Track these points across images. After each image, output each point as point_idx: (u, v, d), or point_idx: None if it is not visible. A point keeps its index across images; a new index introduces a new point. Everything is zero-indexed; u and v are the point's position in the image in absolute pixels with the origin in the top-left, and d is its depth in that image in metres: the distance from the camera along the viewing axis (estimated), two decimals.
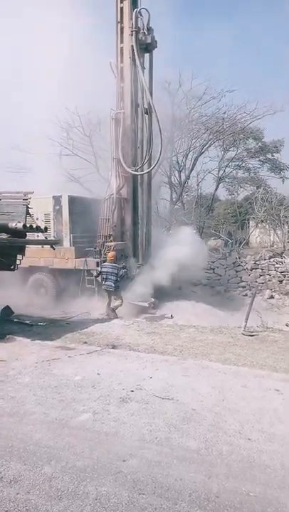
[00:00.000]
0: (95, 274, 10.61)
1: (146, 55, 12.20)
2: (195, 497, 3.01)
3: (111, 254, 10.28)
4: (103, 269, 10.02)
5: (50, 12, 13.94)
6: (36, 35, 14.42)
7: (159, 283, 11.26)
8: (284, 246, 16.16)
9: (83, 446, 3.68)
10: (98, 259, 11.02)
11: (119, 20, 11.81)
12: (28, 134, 18.09)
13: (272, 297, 14.07)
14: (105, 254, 10.91)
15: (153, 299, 11.48)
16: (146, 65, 12.25)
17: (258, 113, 19.13)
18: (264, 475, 3.29)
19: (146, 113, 11.82)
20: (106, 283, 9.87)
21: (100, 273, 10.15)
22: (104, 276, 9.90)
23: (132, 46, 11.44)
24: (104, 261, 10.41)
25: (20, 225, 7.64)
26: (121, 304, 9.99)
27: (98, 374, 5.50)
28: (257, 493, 3.06)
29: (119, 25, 11.83)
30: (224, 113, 19.41)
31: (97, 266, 10.75)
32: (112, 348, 6.86)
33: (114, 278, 9.81)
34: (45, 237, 9.28)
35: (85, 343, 7.17)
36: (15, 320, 8.82)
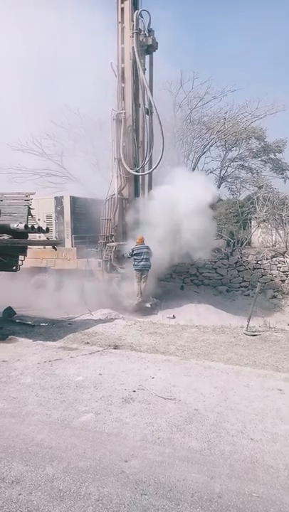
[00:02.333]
0: (127, 255, 11.01)
1: (147, 56, 12.24)
2: (197, 497, 2.99)
3: (140, 236, 10.88)
4: (137, 251, 10.70)
5: (53, 11, 13.97)
6: (41, 33, 14.44)
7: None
8: (286, 246, 16.09)
9: (85, 447, 3.67)
10: (100, 260, 11.03)
11: (120, 20, 11.84)
12: (28, 134, 18.19)
13: (274, 297, 14.04)
14: (107, 255, 10.96)
15: (155, 299, 11.48)
16: (147, 65, 12.28)
17: (259, 113, 19.15)
18: (267, 475, 3.27)
19: (148, 113, 11.83)
20: (142, 263, 10.69)
21: (134, 254, 10.72)
22: (141, 257, 10.66)
23: (133, 48, 11.46)
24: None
25: (21, 226, 7.65)
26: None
27: (100, 374, 5.49)
28: (260, 494, 3.04)
29: (120, 25, 11.86)
30: (226, 113, 19.43)
31: (99, 266, 10.78)
32: (114, 348, 6.85)
33: (149, 257, 10.75)
34: (47, 238, 9.28)
35: (87, 343, 7.16)
36: (17, 320, 8.82)
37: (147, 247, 10.87)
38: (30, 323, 8.62)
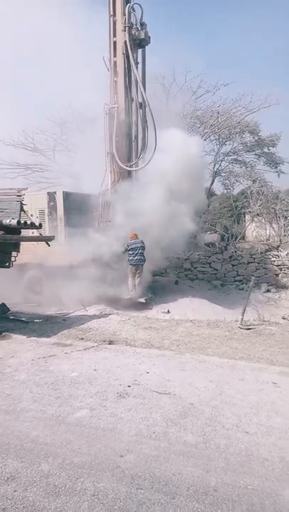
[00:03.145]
0: (121, 250, 11.02)
1: (140, 50, 12.13)
2: (193, 491, 3.00)
3: (133, 233, 10.94)
4: (132, 246, 10.78)
5: (43, 8, 13.80)
6: (31, 28, 14.27)
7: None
8: (280, 240, 16.16)
9: (80, 443, 3.66)
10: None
11: (112, 13, 11.70)
12: (21, 129, 18.04)
13: (268, 291, 14.10)
14: None
15: (150, 295, 11.47)
16: (140, 59, 12.18)
17: (252, 106, 19.11)
18: (262, 468, 3.29)
19: (140, 107, 11.75)
20: (137, 257, 10.78)
21: (128, 249, 10.80)
22: (136, 252, 10.75)
23: (126, 42, 11.35)
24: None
25: (14, 222, 7.59)
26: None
27: (95, 370, 5.48)
28: (255, 486, 3.05)
29: (112, 18, 11.72)
30: (219, 106, 19.37)
31: (92, 261, 10.74)
32: (109, 343, 6.84)
33: (143, 252, 10.85)
34: (40, 234, 9.21)
35: (82, 339, 7.14)
36: (11, 317, 8.77)
37: (142, 242, 10.87)
38: (24, 319, 8.58)
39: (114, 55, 11.77)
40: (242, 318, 8.20)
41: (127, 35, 11.34)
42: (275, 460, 3.39)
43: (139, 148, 11.64)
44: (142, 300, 10.96)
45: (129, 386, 4.89)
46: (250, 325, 8.04)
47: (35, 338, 7.20)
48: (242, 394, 4.67)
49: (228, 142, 20.24)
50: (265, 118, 30.06)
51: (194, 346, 6.67)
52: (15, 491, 3.02)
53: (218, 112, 19.18)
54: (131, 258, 10.79)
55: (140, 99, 11.69)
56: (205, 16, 45.33)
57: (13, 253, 8.55)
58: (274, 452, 3.50)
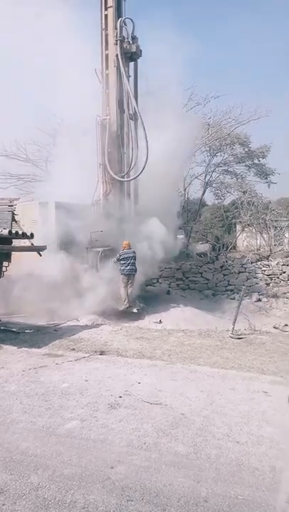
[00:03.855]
0: (114, 260, 11.07)
1: (132, 63, 12.32)
2: (184, 502, 2.98)
3: (126, 242, 11.01)
4: (124, 255, 10.81)
5: (35, 17, 13.96)
6: (21, 40, 14.40)
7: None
8: (270, 249, 16.32)
9: (71, 454, 3.63)
10: (86, 265, 10.99)
11: (104, 27, 11.91)
12: (14, 140, 18.09)
13: (259, 300, 14.18)
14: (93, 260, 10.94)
15: (141, 305, 11.47)
16: (132, 72, 12.37)
17: (242, 118, 19.41)
18: (253, 478, 3.29)
19: (132, 119, 11.88)
20: (129, 267, 10.81)
21: (121, 259, 10.83)
22: (128, 262, 10.79)
23: (117, 55, 11.53)
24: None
25: (5, 232, 7.59)
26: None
27: (86, 380, 5.45)
28: (246, 496, 3.05)
29: (104, 32, 11.93)
30: (209, 118, 19.63)
31: (85, 271, 10.76)
32: (100, 354, 6.82)
33: (135, 262, 10.90)
34: (32, 244, 9.19)
35: (73, 349, 7.11)
36: (1, 328, 8.70)
37: (134, 252, 10.92)
38: (15, 330, 8.52)
39: (107, 68, 11.95)
40: (233, 328, 8.23)
41: (118, 48, 11.54)
42: (265, 470, 3.39)
43: (131, 160, 11.74)
44: (134, 310, 10.96)
45: (121, 397, 4.87)
46: (241, 334, 8.07)
47: (26, 349, 7.15)
48: (233, 403, 4.68)
49: (218, 153, 20.48)
50: (255, 130, 30.57)
51: (186, 356, 6.68)
52: (3, 505, 2.98)
53: (208, 124, 19.44)
54: (123, 268, 10.81)
55: (132, 111, 11.83)
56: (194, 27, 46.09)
57: (5, 263, 8.51)
58: (264, 462, 3.50)
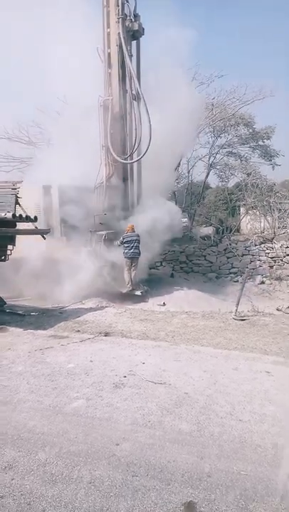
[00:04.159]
0: (117, 243, 11.11)
1: (134, 42, 12.08)
2: (187, 477, 3.06)
3: (130, 225, 11.05)
4: (128, 238, 10.84)
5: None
6: (24, 20, 14.09)
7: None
8: (274, 232, 16.24)
9: (77, 432, 3.71)
10: (90, 248, 11.01)
11: (105, 4, 11.62)
12: (16, 122, 17.91)
13: (263, 282, 14.22)
14: (97, 244, 10.95)
15: (145, 287, 11.53)
16: (134, 51, 12.12)
17: (247, 98, 19.07)
18: (255, 454, 3.36)
19: (135, 99, 11.70)
20: (132, 250, 10.85)
21: (124, 242, 10.86)
22: (131, 245, 10.83)
23: (119, 33, 11.28)
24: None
25: (9, 215, 7.59)
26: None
27: (91, 361, 5.53)
28: (248, 472, 3.12)
29: (105, 9, 11.65)
30: (213, 98, 19.30)
31: (89, 255, 10.76)
32: (105, 335, 6.89)
33: (139, 245, 10.93)
34: (36, 227, 9.21)
35: (78, 331, 7.19)
36: (7, 310, 8.79)
37: (137, 235, 10.91)
38: (20, 312, 8.61)
39: (108, 47, 11.72)
40: (236, 310, 8.27)
41: (120, 26, 11.28)
42: (267, 446, 3.46)
43: (134, 141, 11.61)
44: (138, 293, 11.02)
45: (125, 376, 4.95)
46: (244, 316, 8.11)
47: (31, 331, 7.23)
48: (236, 383, 4.74)
49: (222, 135, 20.22)
50: (259, 110, 30.11)
51: (189, 337, 6.74)
52: (12, 480, 3.07)
53: (212, 104, 19.13)
54: (126, 251, 10.82)
55: (134, 92, 11.65)
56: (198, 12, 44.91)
57: (9, 247, 8.55)
58: (267, 439, 3.57)
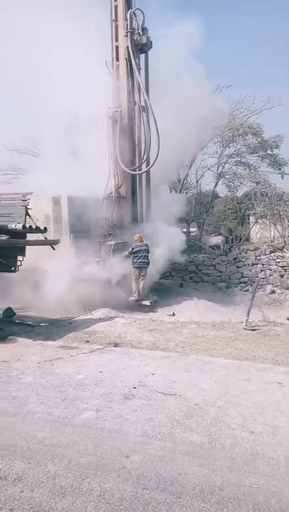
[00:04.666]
0: (126, 254, 11.07)
1: (142, 55, 12.23)
2: (199, 490, 3.01)
3: (138, 235, 11.05)
4: (136, 248, 10.82)
5: (45, 12, 13.90)
6: (33, 34, 14.38)
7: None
8: (284, 241, 16.11)
9: (86, 444, 3.68)
10: (99, 259, 11.04)
11: (114, 18, 11.82)
12: (25, 134, 18.18)
13: (273, 292, 14.07)
14: (106, 254, 10.97)
15: (154, 297, 11.50)
16: (142, 64, 12.27)
17: (255, 108, 19.10)
18: (267, 467, 3.29)
19: (144, 111, 11.82)
20: (141, 260, 10.82)
21: (133, 252, 10.83)
22: (140, 255, 10.81)
23: (127, 47, 11.46)
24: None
25: (19, 226, 7.66)
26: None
27: (100, 372, 5.50)
28: (260, 485, 3.06)
29: (114, 23, 11.84)
30: (221, 108, 19.36)
31: (98, 265, 10.81)
32: (114, 346, 6.87)
33: (148, 255, 10.91)
34: (45, 238, 9.27)
35: (87, 341, 7.18)
36: (17, 321, 8.83)
37: (146, 245, 10.92)
38: (30, 323, 8.63)
39: (117, 60, 11.88)
40: (247, 320, 8.19)
41: (128, 40, 11.45)
42: (280, 459, 3.39)
43: (143, 152, 11.70)
44: (147, 303, 10.98)
45: (135, 388, 4.91)
46: (255, 326, 8.03)
47: (41, 342, 7.24)
48: (247, 394, 4.67)
49: (231, 144, 20.23)
50: (267, 119, 30.03)
51: (199, 348, 6.68)
52: (22, 492, 3.05)
53: (221, 114, 19.18)
54: (135, 261, 10.83)
55: (143, 103, 11.77)
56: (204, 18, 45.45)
57: (19, 257, 8.61)
58: (279, 451, 3.50)
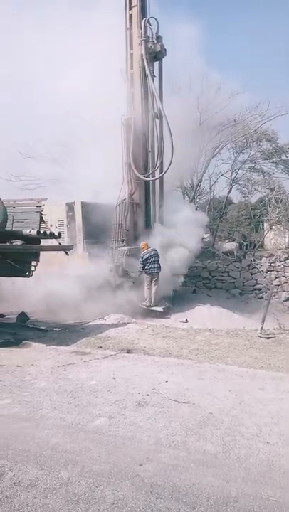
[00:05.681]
0: (139, 269, 10.98)
1: (156, 63, 12.32)
2: (213, 501, 2.96)
3: (143, 243, 11.12)
4: (146, 256, 10.80)
5: (61, 18, 14.15)
6: (46, 40, 14.65)
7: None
8: None
9: (100, 451, 3.66)
10: (112, 264, 11.07)
11: (128, 26, 11.96)
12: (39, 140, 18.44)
13: (288, 299, 13.89)
14: (119, 260, 11.01)
15: (167, 304, 11.46)
16: (156, 72, 12.36)
17: (269, 114, 19.01)
18: (284, 479, 3.22)
19: (157, 118, 11.88)
20: (151, 265, 10.78)
21: (144, 260, 10.80)
22: (150, 260, 10.78)
23: (142, 55, 11.56)
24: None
25: (34, 232, 7.74)
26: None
27: (114, 378, 5.49)
28: (277, 498, 2.99)
29: (128, 31, 11.98)
30: (235, 114, 19.33)
31: (110, 271, 10.84)
32: (127, 352, 6.85)
33: (158, 259, 10.89)
34: (59, 243, 9.34)
35: (100, 347, 7.17)
36: (30, 326, 8.89)
37: (155, 250, 10.90)
38: (43, 328, 8.68)
39: (131, 67, 12.00)
40: (262, 327, 8.09)
41: (143, 48, 11.56)
42: None
43: (156, 159, 11.74)
44: (160, 309, 10.96)
45: (148, 395, 4.87)
46: (270, 334, 7.92)
47: (54, 347, 7.26)
48: (262, 403, 4.60)
49: (245, 150, 20.16)
50: (282, 125, 29.83)
51: (213, 355, 6.62)
52: (35, 498, 3.03)
53: (234, 120, 19.14)
54: (146, 267, 10.81)
55: (156, 111, 11.83)
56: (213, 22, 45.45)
57: (33, 262, 8.69)
58: None
